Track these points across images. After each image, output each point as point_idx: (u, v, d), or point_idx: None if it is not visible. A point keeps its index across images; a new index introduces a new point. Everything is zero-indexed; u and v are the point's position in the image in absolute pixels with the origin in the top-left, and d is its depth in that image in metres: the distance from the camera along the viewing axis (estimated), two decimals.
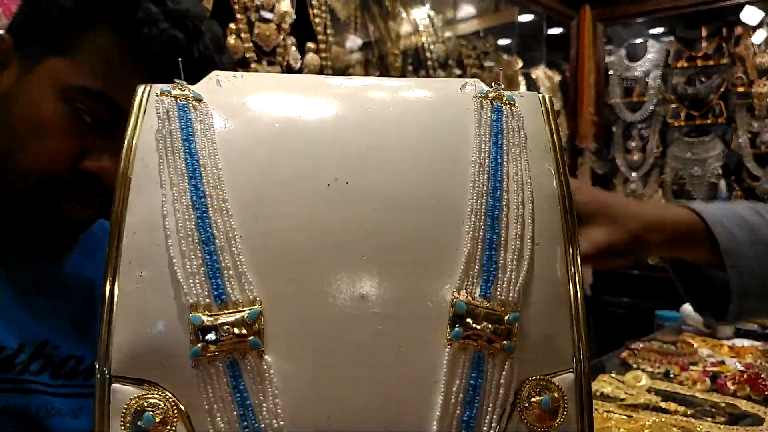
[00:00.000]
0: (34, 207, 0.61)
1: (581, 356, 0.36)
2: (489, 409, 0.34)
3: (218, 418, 0.33)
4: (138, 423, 0.33)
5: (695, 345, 1.69)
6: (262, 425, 0.33)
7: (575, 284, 0.37)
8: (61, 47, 0.60)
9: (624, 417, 1.23)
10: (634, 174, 3.02)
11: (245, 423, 0.33)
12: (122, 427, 0.33)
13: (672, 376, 1.51)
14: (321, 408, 0.34)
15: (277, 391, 0.34)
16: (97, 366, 0.35)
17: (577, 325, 0.37)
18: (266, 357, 0.34)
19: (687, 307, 1.95)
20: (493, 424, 0.34)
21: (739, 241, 0.63)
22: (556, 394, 0.35)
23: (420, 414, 0.34)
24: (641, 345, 1.68)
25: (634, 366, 1.59)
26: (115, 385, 0.34)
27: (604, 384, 1.43)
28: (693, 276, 0.70)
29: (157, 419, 0.34)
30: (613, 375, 1.50)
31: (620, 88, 3.10)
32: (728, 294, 0.64)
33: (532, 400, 0.35)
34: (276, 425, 0.33)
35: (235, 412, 0.33)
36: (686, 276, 0.71)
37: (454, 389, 0.34)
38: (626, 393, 1.37)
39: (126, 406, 0.34)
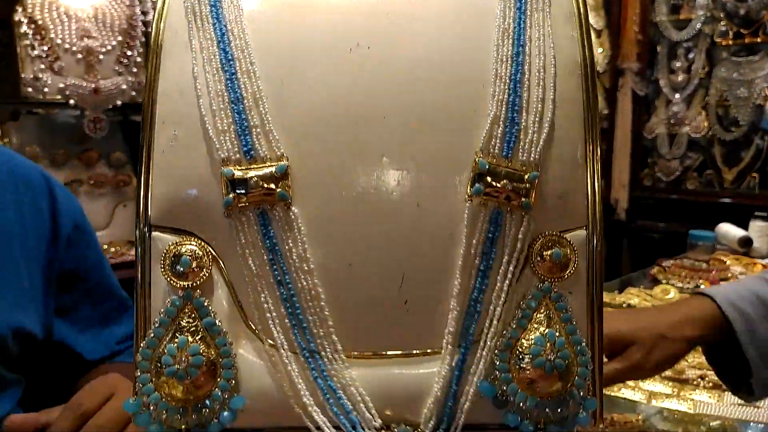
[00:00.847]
0: None
1: (594, 215, 0.38)
2: (505, 260, 0.36)
3: (250, 262, 0.36)
4: (176, 267, 0.36)
5: (728, 262, 1.68)
6: (292, 269, 0.36)
7: (592, 147, 0.38)
8: None
9: None
10: (677, 96, 2.92)
11: (275, 267, 0.36)
12: (162, 271, 0.36)
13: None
14: (344, 256, 0.36)
15: (305, 238, 0.36)
16: (138, 217, 0.37)
17: (592, 185, 0.38)
18: (293, 208, 0.36)
19: (722, 226, 1.93)
20: (508, 275, 0.36)
21: (752, 319, 0.69)
22: (567, 249, 0.37)
23: (438, 263, 0.36)
24: (672, 262, 1.68)
25: (664, 281, 1.59)
26: (155, 233, 0.37)
27: (631, 296, 1.45)
28: (725, 357, 0.74)
29: (194, 264, 0.36)
30: (641, 288, 1.51)
31: (667, 5, 2.96)
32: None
33: (544, 253, 0.37)
34: (305, 268, 0.36)
35: (265, 257, 0.36)
36: (718, 358, 0.75)
37: (474, 241, 0.36)
38: (653, 305, 1.38)
39: (165, 251, 0.36)
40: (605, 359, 0.63)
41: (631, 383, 1.01)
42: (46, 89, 1.58)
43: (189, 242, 0.37)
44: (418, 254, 0.36)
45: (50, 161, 1.66)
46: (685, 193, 2.94)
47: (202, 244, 0.37)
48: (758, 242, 1.85)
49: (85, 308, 0.89)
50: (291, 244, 0.36)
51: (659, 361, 0.67)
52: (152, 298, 0.37)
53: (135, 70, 1.71)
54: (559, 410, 0.36)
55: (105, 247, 1.66)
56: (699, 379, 1.02)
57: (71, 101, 1.60)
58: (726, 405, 0.93)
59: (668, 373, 0.97)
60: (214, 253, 0.37)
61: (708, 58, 2.88)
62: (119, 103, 1.67)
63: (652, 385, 0.99)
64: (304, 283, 0.36)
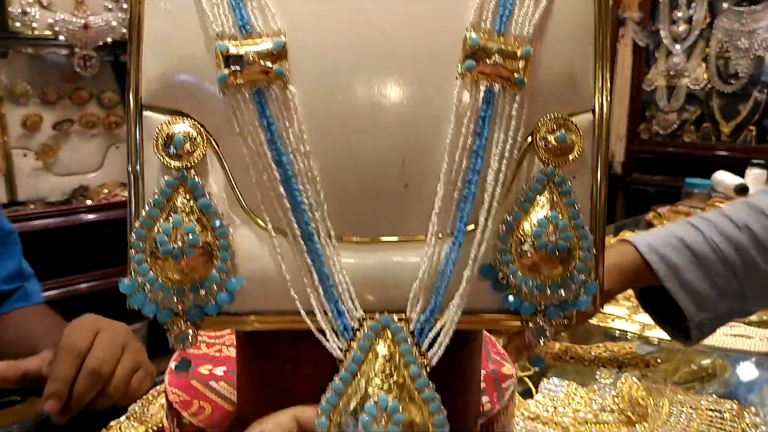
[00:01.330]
0: None
1: (602, 98, 0.37)
2: (500, 139, 0.35)
3: (249, 141, 0.35)
4: (169, 147, 0.35)
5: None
6: (289, 149, 0.35)
7: (602, 24, 0.36)
8: None
9: None
10: (677, 47, 2.88)
11: (273, 147, 0.35)
12: (155, 151, 0.35)
13: None
14: (342, 136, 0.35)
15: (302, 118, 0.35)
16: (128, 96, 0.36)
17: (602, 66, 0.37)
18: (290, 87, 0.35)
19: (718, 174, 1.93)
20: (505, 154, 0.35)
21: (676, 264, 0.70)
22: (573, 133, 0.36)
23: (433, 142, 0.35)
24: (668, 208, 1.68)
25: (659, 226, 1.59)
26: (147, 113, 0.36)
27: (625, 235, 1.44)
28: (659, 301, 0.74)
29: (187, 144, 0.35)
30: (635, 231, 1.51)
31: None
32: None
33: (549, 136, 0.36)
34: (302, 149, 0.35)
35: (262, 137, 0.35)
36: (652, 303, 0.76)
37: (465, 120, 0.35)
38: None
39: (158, 131, 0.35)
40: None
41: (625, 315, 1.02)
42: (34, 24, 1.54)
43: (182, 122, 0.36)
44: (418, 136, 0.35)
45: (41, 100, 1.63)
46: (682, 146, 2.93)
47: (196, 124, 0.36)
48: (754, 190, 1.85)
49: None
50: (288, 124, 0.35)
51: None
52: (146, 179, 0.36)
53: (125, 6, 1.66)
54: (559, 293, 0.35)
55: (97, 188, 1.65)
56: None
57: (60, 37, 1.56)
58: (719, 336, 0.94)
59: None
60: (208, 133, 0.36)
61: (710, 8, 2.83)
62: (109, 40, 1.63)
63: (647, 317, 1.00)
64: (301, 165, 0.35)
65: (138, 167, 0.36)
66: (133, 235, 0.35)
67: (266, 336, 0.38)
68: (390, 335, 0.34)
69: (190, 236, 0.34)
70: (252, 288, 0.36)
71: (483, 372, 0.48)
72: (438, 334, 0.35)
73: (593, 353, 0.87)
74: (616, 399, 0.69)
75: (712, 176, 1.92)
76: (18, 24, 1.52)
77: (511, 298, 0.36)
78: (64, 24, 1.56)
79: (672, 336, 0.77)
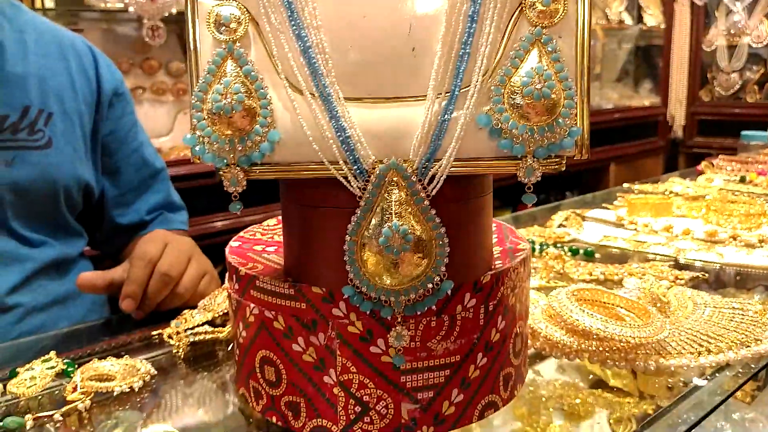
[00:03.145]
0: None
1: None
2: (491, 5, 0.41)
3: (273, 20, 0.42)
4: (219, 24, 0.43)
5: None
6: (305, 24, 0.42)
7: None
8: None
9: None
10: (738, 4, 2.80)
11: (293, 23, 0.42)
12: (208, 28, 0.43)
13: (747, 180, 1.51)
14: (353, 14, 0.43)
15: None
16: None
17: None
18: None
19: None
20: (495, 17, 0.41)
21: None
22: None
23: (435, 9, 0.42)
24: (720, 157, 1.67)
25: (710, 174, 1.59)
26: None
27: (673, 183, 1.46)
28: None
29: (233, 22, 0.43)
30: (686, 179, 1.52)
31: None
32: None
33: (536, 1, 0.42)
34: (314, 24, 0.42)
35: (284, 14, 0.42)
36: None
37: None
38: (695, 193, 1.37)
39: (209, 12, 0.43)
40: None
41: (663, 241, 1.04)
42: None
43: (229, 3, 0.44)
44: (422, 5, 0.42)
45: None
46: (744, 107, 2.85)
47: (240, 6, 0.44)
48: None
49: (126, 171, 1.00)
50: (304, 3, 0.42)
51: None
52: (201, 53, 0.44)
53: None
54: (547, 135, 0.41)
55: (168, 150, 1.79)
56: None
57: (130, 9, 1.70)
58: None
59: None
60: (250, 14, 0.44)
61: None
62: (174, 11, 1.77)
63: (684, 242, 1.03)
64: (314, 38, 0.42)
65: (196, 43, 0.44)
66: (194, 96, 0.43)
67: (300, 184, 0.46)
68: (397, 174, 0.42)
69: (237, 95, 0.42)
70: (287, 139, 0.43)
71: (499, 248, 0.55)
72: (437, 173, 0.42)
73: (624, 270, 0.91)
74: (640, 296, 0.74)
75: None
76: None
77: (503, 142, 0.42)
78: None
79: None
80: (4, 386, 0.59)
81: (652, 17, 3.24)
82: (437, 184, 0.42)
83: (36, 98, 0.89)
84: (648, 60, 3.55)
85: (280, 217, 0.58)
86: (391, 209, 0.41)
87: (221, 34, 0.43)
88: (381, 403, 0.46)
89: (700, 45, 2.92)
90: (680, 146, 3.00)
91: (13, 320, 0.87)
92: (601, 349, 0.57)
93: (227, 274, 0.55)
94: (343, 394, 0.46)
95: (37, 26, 0.93)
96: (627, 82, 3.53)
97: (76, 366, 0.61)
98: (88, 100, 0.95)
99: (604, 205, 1.33)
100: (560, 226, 1.18)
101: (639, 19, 3.31)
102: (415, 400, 0.46)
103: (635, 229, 1.15)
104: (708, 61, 2.96)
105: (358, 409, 0.46)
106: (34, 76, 0.90)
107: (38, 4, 1.77)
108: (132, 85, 1.83)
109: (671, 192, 1.40)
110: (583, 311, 0.58)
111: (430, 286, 0.42)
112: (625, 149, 3.08)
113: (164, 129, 1.83)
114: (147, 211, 1.02)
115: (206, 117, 0.43)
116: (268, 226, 0.66)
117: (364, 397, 0.46)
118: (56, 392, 0.60)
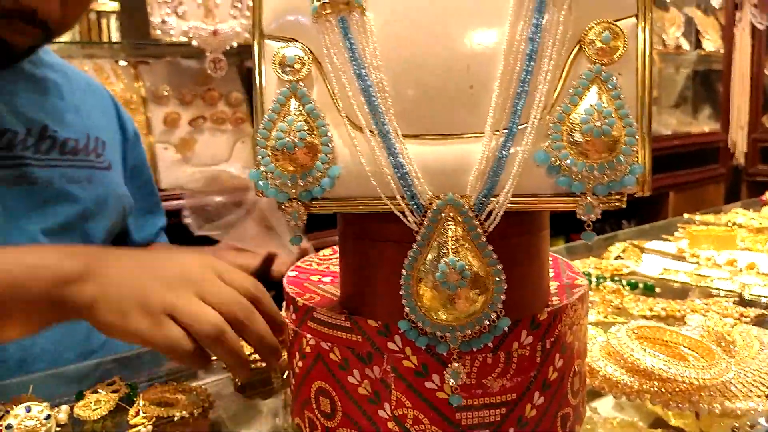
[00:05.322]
0: None
1: (644, 3, 0.42)
2: (550, 44, 0.41)
3: (335, 60, 0.44)
4: (284, 65, 0.45)
5: None
6: (366, 64, 0.43)
7: None
8: None
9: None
10: None
11: (354, 63, 0.43)
12: (273, 69, 0.45)
13: None
14: (412, 54, 0.44)
15: (376, 38, 0.43)
16: (253, 28, 0.46)
17: None
18: (367, 13, 0.44)
19: None
20: (554, 55, 0.41)
21: None
22: (617, 34, 0.42)
23: (493, 48, 0.42)
24: None
25: None
26: (267, 41, 0.46)
27: (735, 215, 1.41)
28: None
29: (297, 62, 0.45)
30: (750, 210, 1.47)
31: None
32: None
33: (595, 38, 0.42)
34: (375, 64, 0.43)
35: (346, 55, 0.44)
36: None
37: (519, 28, 0.42)
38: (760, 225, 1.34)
39: (275, 53, 0.45)
40: None
41: (727, 276, 1.01)
42: (171, 32, 1.76)
43: (293, 45, 0.45)
44: (480, 45, 0.43)
45: (179, 101, 1.87)
46: None
47: (304, 47, 0.45)
48: None
49: (140, 198, 1.12)
50: (365, 44, 0.44)
51: None
52: (266, 92, 0.46)
53: (247, 13, 1.85)
54: (607, 173, 0.41)
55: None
56: None
57: (194, 43, 1.78)
58: None
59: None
60: (313, 55, 0.45)
61: None
62: (235, 44, 1.84)
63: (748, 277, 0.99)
64: (374, 77, 0.43)
65: (262, 82, 0.46)
66: (258, 134, 0.45)
67: (359, 218, 0.47)
68: (454, 210, 0.42)
69: (300, 132, 0.44)
70: (347, 175, 0.44)
71: (556, 284, 0.54)
72: (494, 209, 0.42)
73: (686, 306, 0.88)
74: (703, 335, 0.71)
75: None
76: (158, 32, 1.75)
77: (562, 179, 0.42)
78: (197, 31, 1.77)
79: None
80: (72, 408, 0.62)
81: (711, 42, 3.17)
82: (494, 220, 0.42)
83: (92, 127, 1.00)
84: (707, 85, 3.46)
85: (335, 247, 0.59)
86: (448, 245, 0.41)
87: (286, 74, 0.45)
88: None
89: (761, 69, 2.84)
90: (742, 174, 2.90)
91: (82, 337, 0.91)
92: (663, 390, 0.56)
93: (284, 304, 0.56)
94: (397, 429, 0.46)
95: (64, 67, 1.05)
96: (685, 108, 3.44)
97: (139, 391, 0.63)
98: (117, 138, 1.08)
99: (663, 236, 1.29)
100: (617, 257, 1.16)
101: (697, 44, 3.24)
102: None
103: (697, 263, 1.11)
104: None
105: None
106: (84, 109, 1.01)
107: (105, 38, 1.86)
108: (194, 114, 1.91)
109: (734, 223, 1.36)
110: (645, 350, 0.57)
111: (486, 322, 0.42)
112: (685, 177, 2.99)
113: (223, 156, 1.90)
114: (156, 231, 1.15)
115: (270, 153, 0.44)
116: (323, 255, 0.67)
117: None
118: (119, 416, 0.62)
